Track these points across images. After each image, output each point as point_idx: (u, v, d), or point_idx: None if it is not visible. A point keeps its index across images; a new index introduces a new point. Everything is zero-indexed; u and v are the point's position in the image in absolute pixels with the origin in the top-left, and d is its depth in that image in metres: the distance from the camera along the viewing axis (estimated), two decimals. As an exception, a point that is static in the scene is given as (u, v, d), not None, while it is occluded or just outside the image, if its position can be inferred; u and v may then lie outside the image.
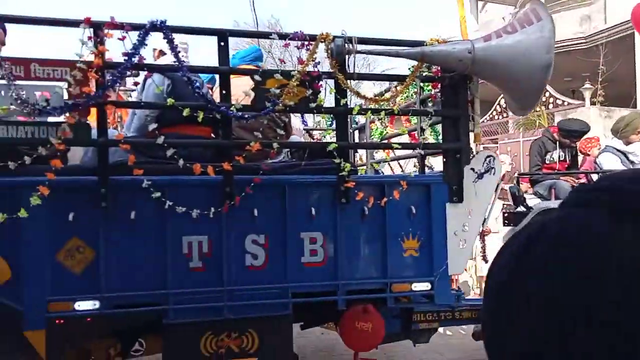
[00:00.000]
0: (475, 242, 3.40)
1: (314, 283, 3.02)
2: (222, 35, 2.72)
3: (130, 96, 4.15)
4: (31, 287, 2.56)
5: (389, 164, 4.99)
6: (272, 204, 2.93)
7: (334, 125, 5.81)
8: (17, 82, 2.40)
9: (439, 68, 3.14)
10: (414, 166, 5.22)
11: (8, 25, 2.86)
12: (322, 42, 2.82)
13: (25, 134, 2.46)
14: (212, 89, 3.59)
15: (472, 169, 3.21)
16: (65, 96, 2.48)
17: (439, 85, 3.23)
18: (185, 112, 2.61)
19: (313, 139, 5.53)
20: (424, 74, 3.22)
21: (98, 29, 2.50)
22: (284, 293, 2.94)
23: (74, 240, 2.65)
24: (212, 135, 3.08)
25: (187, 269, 2.81)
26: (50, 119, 2.63)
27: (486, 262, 4.15)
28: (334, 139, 3.15)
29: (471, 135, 3.20)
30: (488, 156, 3.26)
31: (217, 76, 3.74)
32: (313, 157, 3.16)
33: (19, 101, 2.38)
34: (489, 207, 3.33)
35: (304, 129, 4.99)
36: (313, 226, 3.00)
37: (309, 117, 5.44)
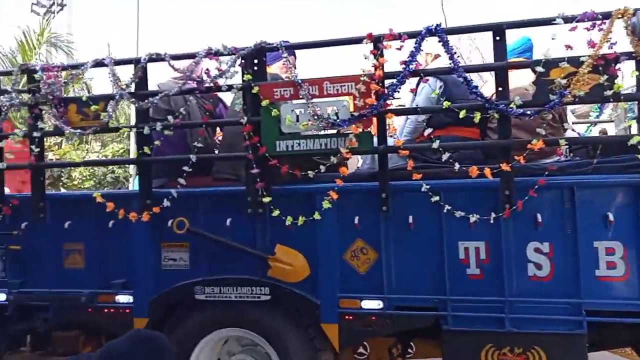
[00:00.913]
0: None
1: (613, 301, 2.58)
2: (499, 29, 2.58)
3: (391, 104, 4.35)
4: (325, 283, 2.85)
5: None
6: (557, 208, 2.63)
7: (602, 117, 5.11)
8: (313, 100, 2.72)
9: None
10: None
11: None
12: (619, 18, 2.42)
13: (319, 146, 2.77)
14: None
15: None
16: (351, 108, 2.70)
17: None
18: (462, 114, 2.55)
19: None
20: None
21: (378, 42, 2.66)
22: (576, 309, 2.59)
23: (359, 241, 2.85)
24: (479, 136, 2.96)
25: (464, 275, 2.73)
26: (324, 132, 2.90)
27: None
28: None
29: None
30: None
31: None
32: (603, 154, 2.73)
33: (315, 117, 2.69)
34: None
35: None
36: (609, 234, 2.58)
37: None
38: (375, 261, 2.83)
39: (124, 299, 3.14)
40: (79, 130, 3.07)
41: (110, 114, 3.00)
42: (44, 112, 3.27)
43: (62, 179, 9.40)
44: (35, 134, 3.16)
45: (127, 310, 3.14)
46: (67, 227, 3.20)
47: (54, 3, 16.11)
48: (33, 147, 3.18)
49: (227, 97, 3.55)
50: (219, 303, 2.99)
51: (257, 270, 2.96)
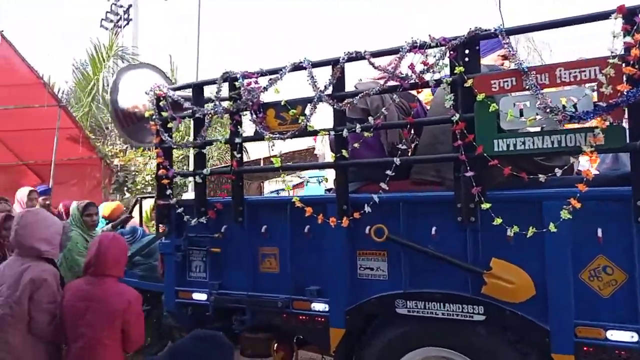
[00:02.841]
0: None
1: None
2: None
3: None
4: (556, 306, 2.41)
5: None
6: None
7: None
8: (543, 90, 2.32)
9: None
10: None
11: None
12: None
13: (551, 144, 2.35)
14: None
15: None
16: (594, 98, 2.24)
17: None
18: None
19: None
20: None
21: (633, 16, 2.16)
22: None
23: (600, 258, 2.36)
24: None
25: None
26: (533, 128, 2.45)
27: None
28: None
29: None
30: None
31: None
32: None
33: (547, 110, 2.29)
34: None
35: None
36: None
37: None
38: (623, 283, 2.31)
39: (319, 306, 3.05)
40: (277, 135, 3.08)
41: (309, 117, 2.94)
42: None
43: (127, 184, 9.89)
44: (237, 140, 3.25)
45: (322, 319, 3.05)
46: (264, 231, 3.22)
47: (120, 18, 17.08)
48: (235, 152, 3.28)
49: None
50: (422, 319, 2.73)
51: (465, 285, 2.64)
